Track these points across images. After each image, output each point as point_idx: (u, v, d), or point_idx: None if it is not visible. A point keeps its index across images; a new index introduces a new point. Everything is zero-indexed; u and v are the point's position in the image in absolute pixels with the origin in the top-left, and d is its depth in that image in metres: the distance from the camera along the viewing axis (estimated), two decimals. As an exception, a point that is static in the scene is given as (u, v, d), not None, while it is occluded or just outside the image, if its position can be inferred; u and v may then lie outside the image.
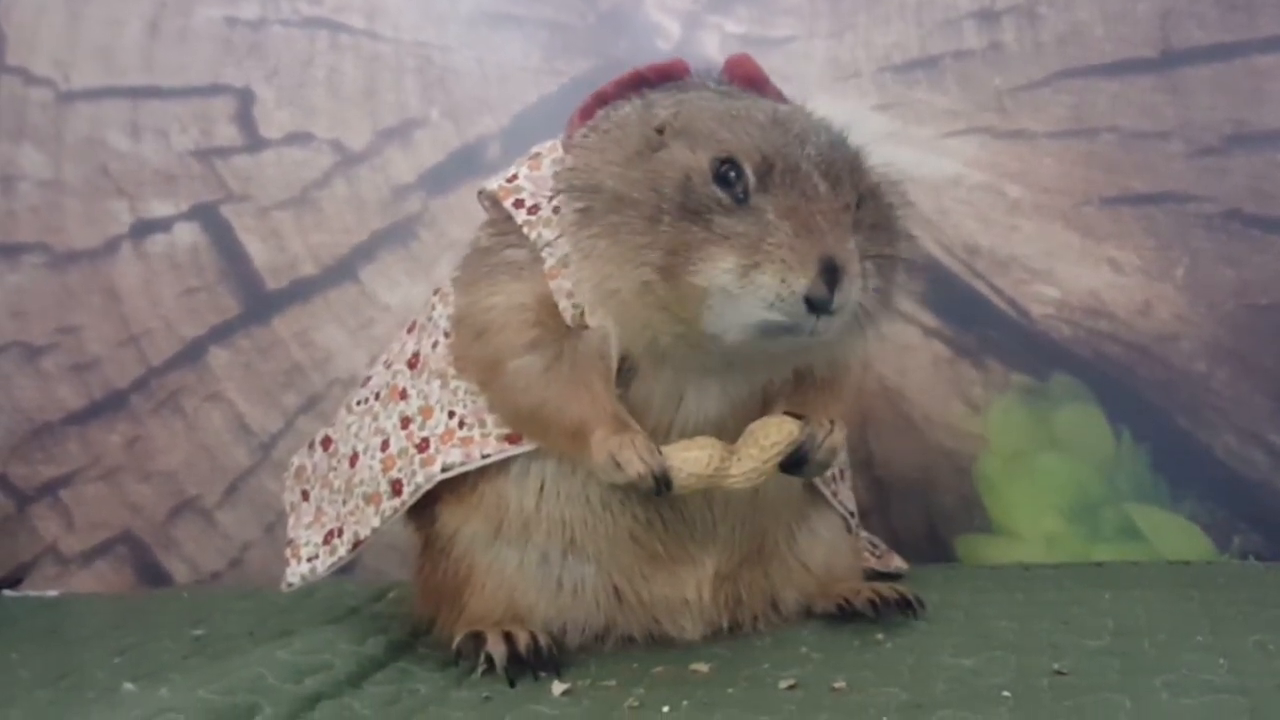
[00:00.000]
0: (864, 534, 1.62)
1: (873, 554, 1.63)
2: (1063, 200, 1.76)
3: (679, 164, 1.17)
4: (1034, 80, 1.76)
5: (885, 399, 1.78)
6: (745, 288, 1.12)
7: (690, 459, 1.21)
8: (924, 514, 1.79)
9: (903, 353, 1.76)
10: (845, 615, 1.41)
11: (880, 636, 1.35)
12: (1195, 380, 1.73)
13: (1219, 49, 1.72)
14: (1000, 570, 1.70)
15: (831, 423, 1.26)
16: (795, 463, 1.24)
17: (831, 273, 1.11)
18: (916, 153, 1.78)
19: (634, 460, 1.20)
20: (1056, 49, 1.76)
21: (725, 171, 1.15)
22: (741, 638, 1.37)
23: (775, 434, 1.22)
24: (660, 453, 1.21)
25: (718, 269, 1.13)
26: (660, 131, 1.21)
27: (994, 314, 1.77)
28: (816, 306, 1.11)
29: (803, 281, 1.11)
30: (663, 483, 1.20)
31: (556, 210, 1.24)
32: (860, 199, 1.20)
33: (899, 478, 1.79)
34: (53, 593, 1.89)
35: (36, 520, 1.93)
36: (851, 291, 1.13)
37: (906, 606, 1.40)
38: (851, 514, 1.48)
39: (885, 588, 1.43)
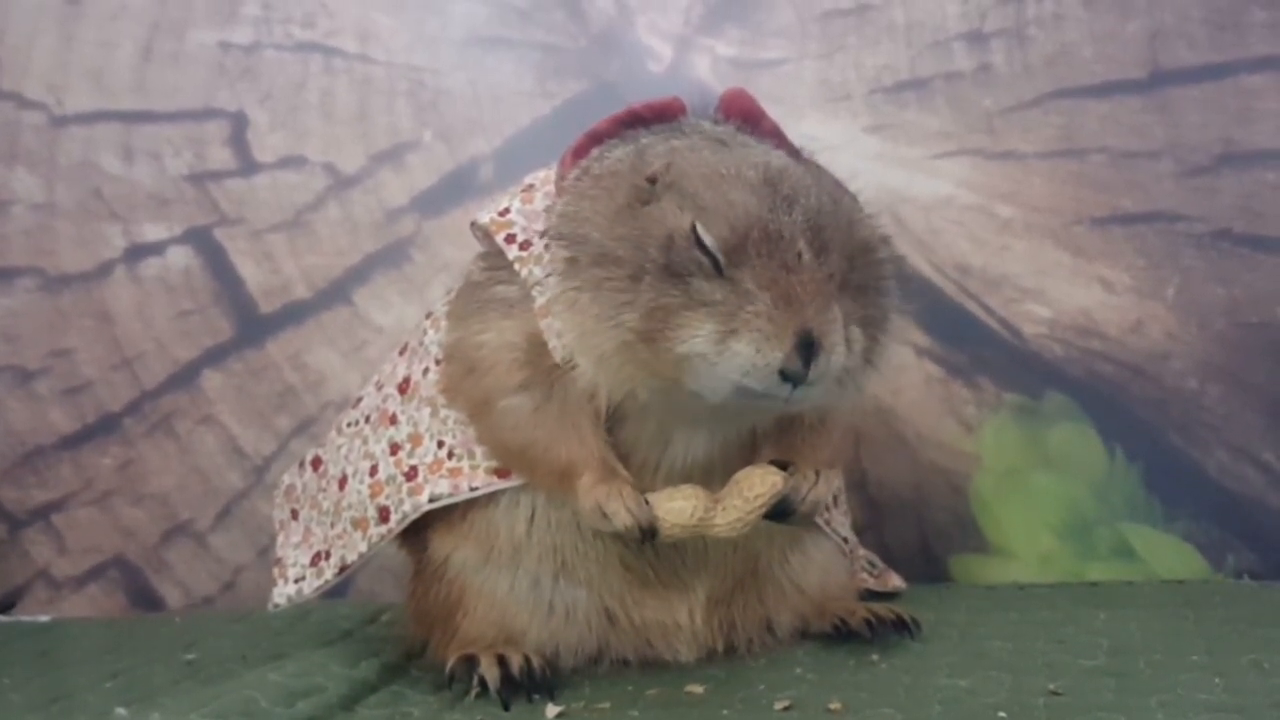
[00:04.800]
0: (862, 552, 1.62)
1: (870, 573, 1.62)
2: (1053, 220, 1.77)
3: (664, 223, 1.16)
4: (1024, 101, 1.77)
5: (878, 418, 1.78)
6: (722, 355, 1.11)
7: (675, 509, 1.21)
8: (918, 533, 1.79)
9: (895, 372, 1.76)
10: (841, 635, 1.41)
11: (875, 657, 1.35)
12: (1187, 398, 1.74)
13: (1208, 69, 1.74)
14: (995, 590, 1.70)
15: (816, 474, 1.26)
16: (780, 513, 1.24)
17: (808, 346, 1.10)
18: (907, 173, 1.78)
19: (621, 511, 1.20)
20: (1046, 70, 1.77)
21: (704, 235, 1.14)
22: (736, 659, 1.37)
23: (760, 485, 1.22)
24: (647, 503, 1.21)
25: (694, 336, 1.12)
26: (651, 181, 1.20)
27: (986, 333, 1.78)
28: (791, 378, 1.11)
29: (778, 354, 1.10)
30: (648, 533, 1.20)
31: (548, 247, 1.24)
32: (851, 259, 1.18)
33: (893, 497, 1.79)
34: (44, 617, 1.87)
35: (28, 544, 1.92)
36: (829, 363, 1.12)
37: (902, 627, 1.40)
38: (846, 540, 1.48)
39: (881, 608, 1.43)
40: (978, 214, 1.78)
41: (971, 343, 1.78)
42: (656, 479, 1.26)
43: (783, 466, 1.24)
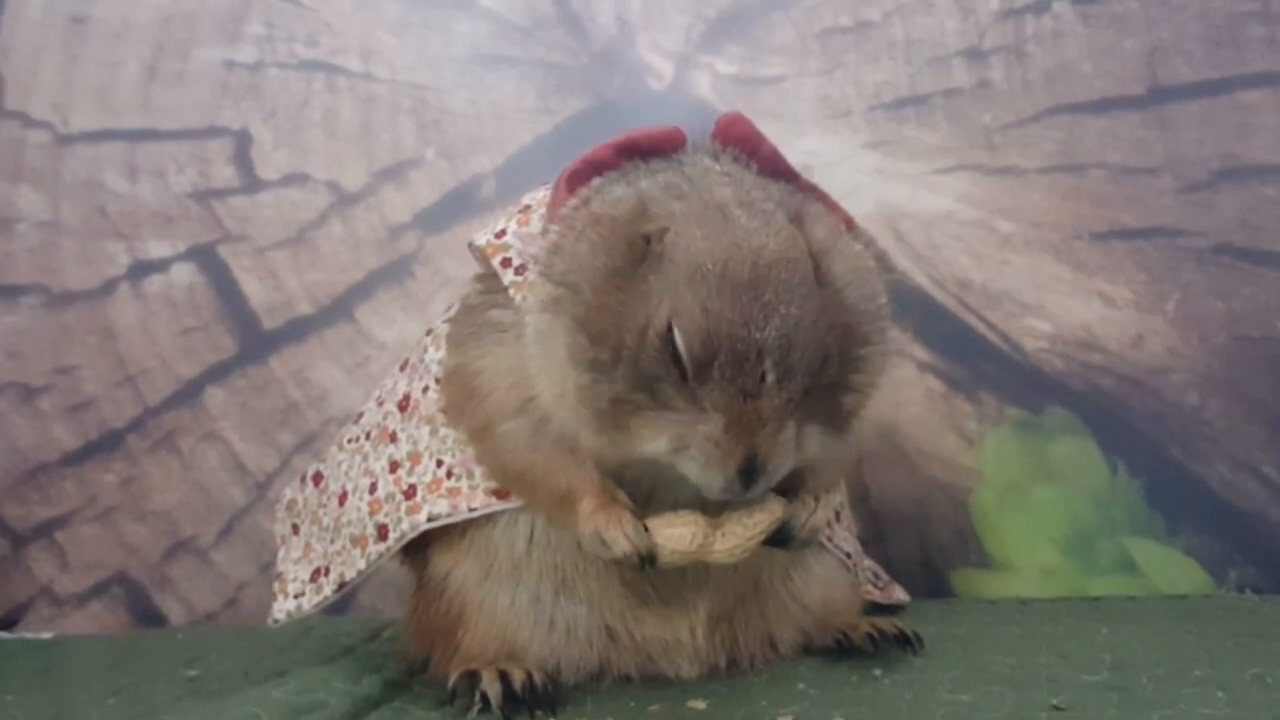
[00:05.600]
0: (867, 563, 1.62)
1: (875, 586, 1.62)
2: (1053, 235, 1.77)
3: (646, 306, 1.15)
4: (1023, 117, 1.78)
5: (880, 433, 1.78)
6: (674, 459, 1.15)
7: (674, 536, 1.21)
8: (920, 548, 1.79)
9: (897, 387, 1.76)
10: (843, 651, 1.40)
11: (878, 672, 1.35)
12: (1188, 412, 1.74)
13: (1206, 85, 1.74)
14: (997, 604, 1.70)
15: (816, 499, 1.27)
16: (779, 540, 1.25)
17: (750, 472, 1.12)
18: (908, 189, 1.79)
19: (620, 539, 1.21)
20: (1045, 86, 1.77)
21: (676, 340, 1.13)
22: (738, 674, 1.36)
23: (759, 513, 1.22)
24: (646, 529, 1.21)
25: (652, 443, 1.15)
26: (647, 240, 1.17)
27: (987, 348, 1.78)
28: (732, 492, 1.14)
29: (720, 479, 1.13)
30: (647, 560, 1.21)
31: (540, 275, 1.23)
32: (825, 359, 1.17)
33: (894, 511, 1.79)
34: (47, 634, 1.88)
35: (31, 561, 1.93)
36: (770, 482, 1.15)
37: (905, 642, 1.40)
38: (848, 555, 1.48)
39: (884, 623, 1.43)
40: (978, 229, 1.79)
41: (972, 357, 1.78)
42: (654, 504, 1.25)
43: (782, 491, 1.24)
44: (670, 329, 1.13)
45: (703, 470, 1.13)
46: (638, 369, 1.14)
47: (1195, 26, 1.74)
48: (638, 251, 1.18)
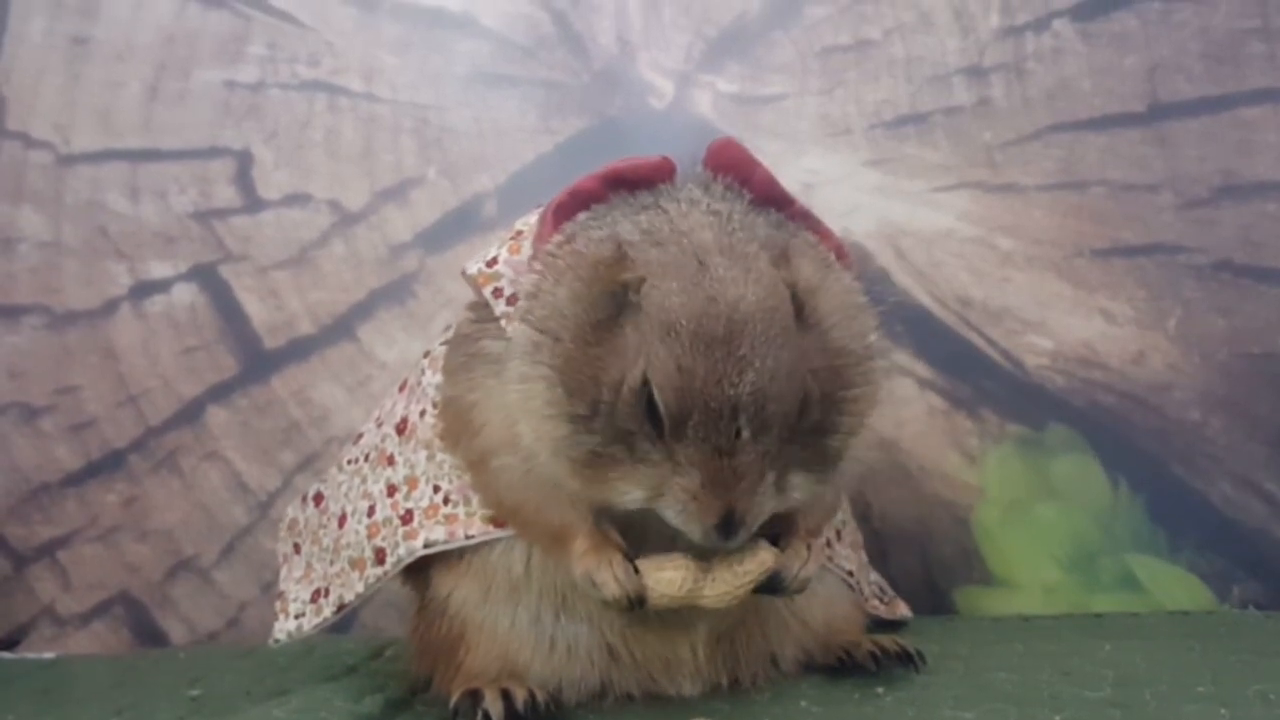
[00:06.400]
0: (874, 576, 1.62)
1: (881, 600, 1.62)
2: (1054, 252, 1.77)
3: (622, 360, 1.15)
4: (1023, 135, 1.78)
5: (881, 450, 1.77)
6: (653, 505, 1.16)
7: (664, 580, 1.21)
8: (922, 565, 1.79)
9: (898, 404, 1.76)
10: (845, 668, 1.40)
11: (880, 690, 1.35)
12: (1190, 429, 1.74)
13: (1206, 102, 1.75)
14: (1000, 621, 1.70)
15: (808, 548, 1.27)
16: (770, 588, 1.24)
17: (728, 525, 1.13)
18: (909, 207, 1.80)
19: (610, 582, 1.21)
20: (1045, 104, 1.78)
21: (652, 397, 1.14)
22: (740, 693, 1.36)
23: (750, 561, 1.22)
24: (637, 571, 1.21)
25: (628, 494, 1.16)
26: (625, 288, 1.17)
27: (988, 365, 1.78)
28: (711, 542, 1.15)
29: (698, 530, 1.14)
30: (636, 603, 1.22)
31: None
32: (804, 408, 1.16)
33: (896, 529, 1.79)
34: (49, 654, 1.87)
35: (34, 581, 1.92)
36: (750, 532, 1.15)
37: (907, 659, 1.39)
38: (850, 573, 1.47)
39: (886, 640, 1.43)
40: (978, 246, 1.79)
41: (974, 374, 1.78)
42: (646, 541, 1.24)
43: (773, 536, 1.24)
44: (645, 385, 1.13)
45: (678, 519, 1.14)
46: (614, 423, 1.14)
47: (1195, 43, 1.75)
48: (616, 300, 1.17)
